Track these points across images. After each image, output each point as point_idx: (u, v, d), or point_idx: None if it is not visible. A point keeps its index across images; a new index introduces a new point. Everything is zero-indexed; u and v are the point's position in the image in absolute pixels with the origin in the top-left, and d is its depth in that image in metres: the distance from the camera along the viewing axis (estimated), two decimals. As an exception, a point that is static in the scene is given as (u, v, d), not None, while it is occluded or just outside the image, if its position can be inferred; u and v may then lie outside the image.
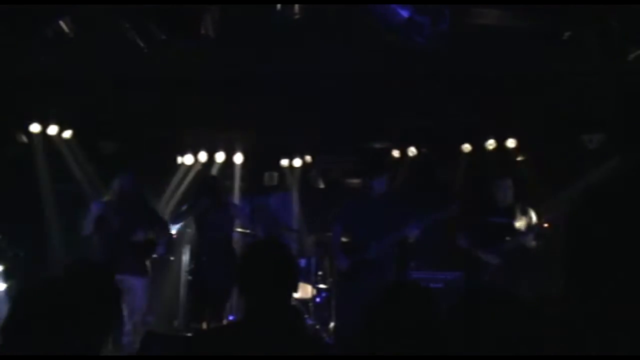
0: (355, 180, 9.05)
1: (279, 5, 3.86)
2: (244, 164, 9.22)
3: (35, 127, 7.84)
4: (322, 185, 9.35)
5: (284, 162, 9.36)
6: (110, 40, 4.58)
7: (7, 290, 6.75)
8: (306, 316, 7.57)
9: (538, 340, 1.99)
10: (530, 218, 6.49)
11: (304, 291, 7.89)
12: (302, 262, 8.13)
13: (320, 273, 8.15)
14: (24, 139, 7.83)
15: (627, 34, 4.22)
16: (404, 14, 3.75)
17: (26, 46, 4.50)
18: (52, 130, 7.97)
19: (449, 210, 6.43)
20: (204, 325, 6.52)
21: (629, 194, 1.49)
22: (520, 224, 6.46)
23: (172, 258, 8.58)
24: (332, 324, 7.47)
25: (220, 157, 9.16)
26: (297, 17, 3.84)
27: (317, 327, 7.49)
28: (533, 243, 6.38)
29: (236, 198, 9.01)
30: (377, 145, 9.08)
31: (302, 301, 7.73)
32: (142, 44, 3.95)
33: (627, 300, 1.43)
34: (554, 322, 1.70)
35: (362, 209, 6.58)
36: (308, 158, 9.23)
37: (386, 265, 6.34)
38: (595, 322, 1.46)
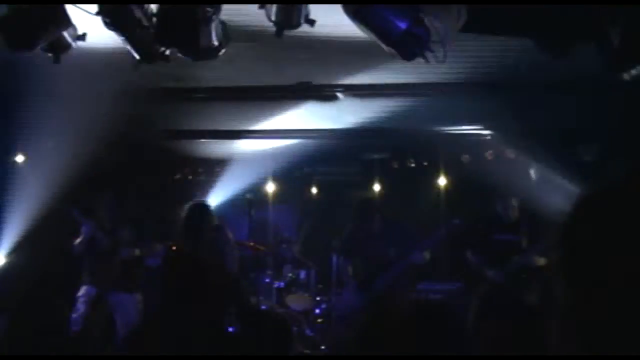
0: (355, 192, 9.05)
1: (274, 6, 3.84)
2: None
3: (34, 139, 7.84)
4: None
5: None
6: (109, 51, 4.59)
7: None
8: (305, 327, 7.56)
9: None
10: (537, 234, 6.36)
11: (304, 303, 7.89)
12: (302, 273, 8.13)
13: (320, 286, 8.16)
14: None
15: (627, 46, 4.22)
16: (402, 25, 3.74)
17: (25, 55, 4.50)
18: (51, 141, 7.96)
19: (451, 228, 6.41)
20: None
21: (626, 203, 1.50)
22: (526, 241, 6.35)
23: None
24: (332, 335, 7.46)
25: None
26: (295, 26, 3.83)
27: (317, 338, 7.48)
28: (541, 260, 6.24)
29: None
30: (377, 156, 9.09)
31: (302, 313, 7.72)
32: (138, 57, 3.95)
33: (625, 307, 1.43)
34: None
35: (365, 238, 6.58)
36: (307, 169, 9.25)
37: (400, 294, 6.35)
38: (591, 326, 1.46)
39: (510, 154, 8.13)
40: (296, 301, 7.94)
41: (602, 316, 1.38)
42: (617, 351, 1.34)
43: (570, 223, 1.54)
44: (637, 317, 1.33)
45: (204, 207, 6.45)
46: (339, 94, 6.18)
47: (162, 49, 4.03)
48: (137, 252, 6.29)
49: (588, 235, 1.48)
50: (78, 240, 6.16)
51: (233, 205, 9.02)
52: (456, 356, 2.03)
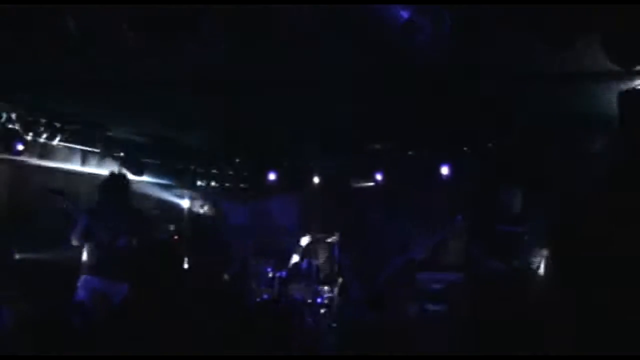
0: (357, 183, 9.06)
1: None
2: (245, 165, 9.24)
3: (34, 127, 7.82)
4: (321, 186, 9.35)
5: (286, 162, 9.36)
6: (110, 41, 4.58)
7: None
8: (307, 317, 7.59)
9: None
10: (540, 227, 6.39)
11: (305, 292, 7.91)
12: (304, 263, 8.14)
13: (321, 276, 8.18)
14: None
15: (633, 37, 4.22)
16: (404, 14, 3.76)
17: (26, 46, 4.50)
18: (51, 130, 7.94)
19: (454, 226, 6.42)
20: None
21: (624, 195, 1.49)
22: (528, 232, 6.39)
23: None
24: (334, 325, 7.47)
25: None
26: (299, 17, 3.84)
27: (318, 328, 7.51)
28: (544, 252, 6.27)
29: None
30: (378, 146, 9.07)
31: (303, 302, 7.75)
32: (139, 46, 3.94)
33: (621, 300, 1.43)
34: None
35: (367, 235, 6.59)
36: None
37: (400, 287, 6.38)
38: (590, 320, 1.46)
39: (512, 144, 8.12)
40: (298, 291, 7.96)
41: (599, 309, 1.38)
42: (612, 341, 1.34)
43: (570, 218, 1.53)
44: (633, 311, 1.33)
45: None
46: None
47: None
48: (134, 241, 6.30)
49: (586, 230, 1.48)
50: (75, 231, 6.17)
51: (232, 195, 9.06)
52: (456, 356, 2.05)
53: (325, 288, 7.89)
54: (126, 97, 6.73)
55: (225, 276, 7.36)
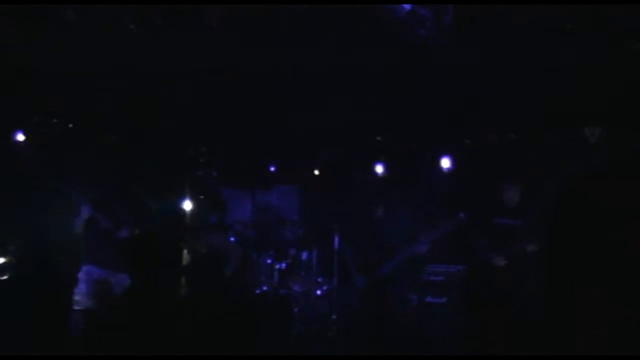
0: (355, 173, 9.05)
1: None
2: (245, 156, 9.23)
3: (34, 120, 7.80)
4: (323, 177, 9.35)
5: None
6: (111, 30, 4.56)
7: None
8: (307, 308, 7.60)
9: None
10: (536, 220, 6.40)
11: (305, 284, 7.91)
12: (304, 254, 8.14)
13: (321, 268, 8.18)
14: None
15: (629, 25, 4.21)
16: (407, 5, 3.77)
17: (26, 37, 4.49)
18: (52, 122, 7.93)
19: (457, 222, 6.42)
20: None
21: (622, 189, 1.49)
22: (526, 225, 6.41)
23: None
24: (333, 316, 7.48)
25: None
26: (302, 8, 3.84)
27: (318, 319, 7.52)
28: (536, 247, 6.27)
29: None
30: (378, 138, 9.06)
31: (303, 293, 7.75)
32: (141, 33, 3.94)
33: (609, 295, 1.43)
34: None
35: (369, 227, 6.59)
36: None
37: (402, 280, 6.39)
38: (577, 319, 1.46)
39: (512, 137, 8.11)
40: (298, 282, 7.96)
41: (596, 302, 1.38)
42: (608, 334, 1.34)
43: (568, 212, 1.53)
44: (630, 305, 1.33)
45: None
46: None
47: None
48: (136, 231, 6.29)
49: (583, 224, 1.47)
50: (78, 220, 6.16)
51: (236, 186, 9.06)
52: (454, 356, 2.06)
53: (326, 279, 7.90)
54: (123, 85, 6.71)
55: (227, 272, 7.37)
